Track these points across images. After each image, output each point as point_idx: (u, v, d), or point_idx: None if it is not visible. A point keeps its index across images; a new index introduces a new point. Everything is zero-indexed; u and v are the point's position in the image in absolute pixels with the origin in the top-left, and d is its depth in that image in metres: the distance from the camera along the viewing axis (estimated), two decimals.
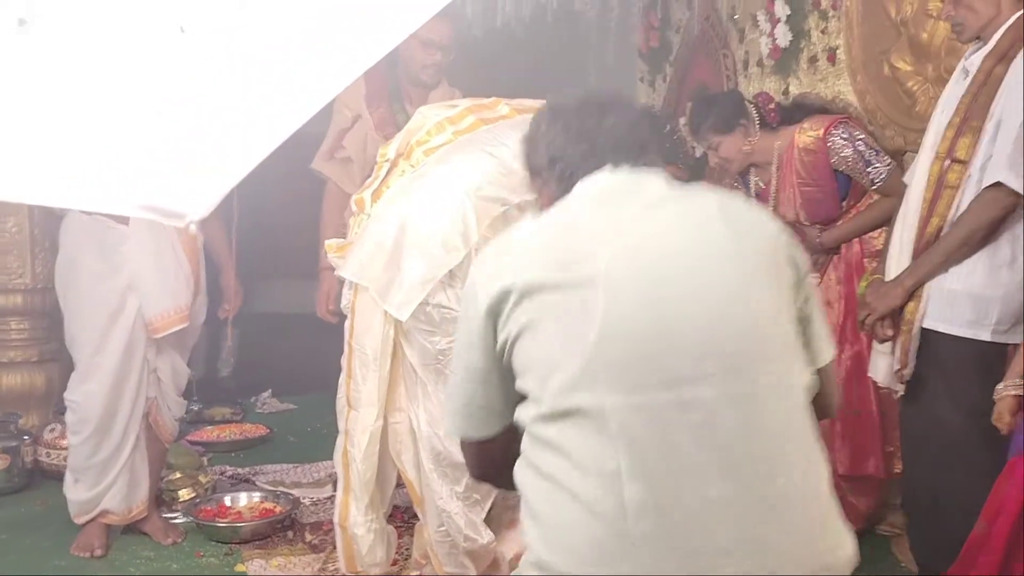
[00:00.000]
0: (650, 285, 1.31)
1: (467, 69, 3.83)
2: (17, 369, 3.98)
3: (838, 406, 1.56)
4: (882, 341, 2.58)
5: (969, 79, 2.46)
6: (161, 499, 3.34)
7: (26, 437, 3.66)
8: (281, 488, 3.64)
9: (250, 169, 1.02)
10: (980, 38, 2.45)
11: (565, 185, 1.47)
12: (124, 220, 2.91)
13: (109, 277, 2.92)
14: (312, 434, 4.32)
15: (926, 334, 2.50)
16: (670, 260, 1.34)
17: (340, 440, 2.49)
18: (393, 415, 2.46)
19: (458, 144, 2.43)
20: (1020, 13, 2.41)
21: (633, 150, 1.46)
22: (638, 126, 1.50)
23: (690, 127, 3.24)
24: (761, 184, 3.25)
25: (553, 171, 1.50)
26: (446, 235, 2.32)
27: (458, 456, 2.36)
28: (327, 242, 2.54)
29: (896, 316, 2.53)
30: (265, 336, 5.76)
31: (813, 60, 3.65)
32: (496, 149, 2.40)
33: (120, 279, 2.92)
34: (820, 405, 1.44)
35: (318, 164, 3.51)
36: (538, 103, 2.68)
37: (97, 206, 1.60)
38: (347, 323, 2.46)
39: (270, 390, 5.06)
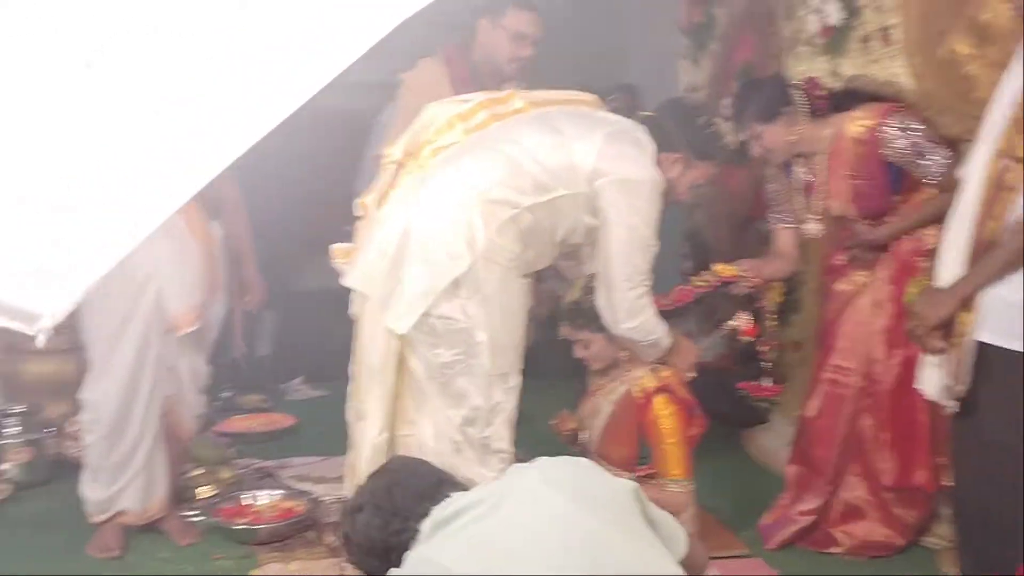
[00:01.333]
0: None
1: None
2: (47, 358, 3.94)
3: (704, 567, 1.82)
4: (933, 354, 2.39)
5: None
6: (182, 496, 3.28)
7: (50, 429, 3.63)
8: (307, 482, 3.57)
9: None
10: None
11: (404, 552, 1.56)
12: None
13: (121, 276, 2.83)
14: (341, 425, 4.22)
15: (981, 348, 2.31)
16: (530, 556, 1.42)
17: (349, 452, 2.39)
18: (402, 428, 2.35)
19: (467, 143, 2.29)
20: None
21: (434, 494, 1.59)
22: (420, 475, 1.67)
23: (731, 114, 3.06)
24: (808, 176, 3.05)
25: (390, 557, 1.59)
26: (450, 242, 2.18)
27: (466, 473, 2.26)
28: (333, 247, 2.41)
29: (948, 327, 2.34)
30: (309, 315, 5.66)
31: (866, 40, 3.41)
32: (507, 147, 2.25)
33: (134, 278, 2.84)
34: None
35: None
36: (555, 94, 2.56)
37: None
38: (355, 331, 2.35)
39: (302, 376, 4.99)
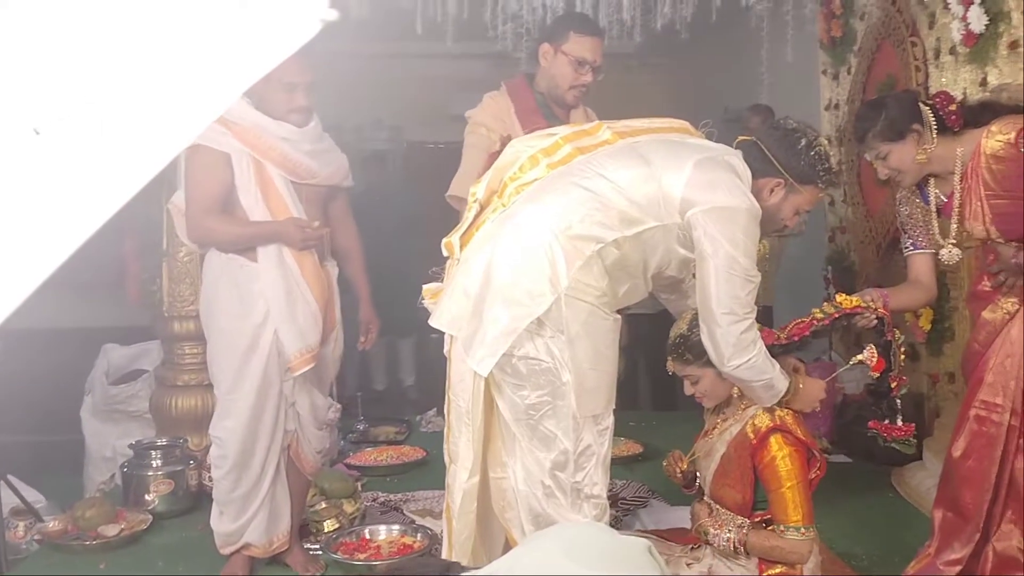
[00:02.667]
0: None
1: (626, 79, 3.60)
2: (191, 392, 4.16)
3: None
4: None
5: None
6: (307, 529, 3.35)
7: (191, 461, 3.81)
8: (429, 517, 3.58)
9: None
10: None
11: None
12: (254, 257, 2.92)
13: (243, 315, 2.93)
14: None
15: None
16: None
17: (446, 495, 2.36)
18: (495, 470, 2.29)
19: (549, 179, 2.23)
20: None
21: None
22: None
23: (855, 135, 2.86)
24: (942, 197, 2.81)
25: None
26: (532, 281, 2.12)
27: (558, 518, 2.18)
28: (424, 287, 2.41)
29: None
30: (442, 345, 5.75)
31: (1014, 46, 3.15)
32: (590, 182, 2.18)
33: (253, 317, 2.93)
34: None
35: (463, 192, 3.10)
36: (645, 122, 2.46)
37: None
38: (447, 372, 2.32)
39: (435, 408, 5.04)
